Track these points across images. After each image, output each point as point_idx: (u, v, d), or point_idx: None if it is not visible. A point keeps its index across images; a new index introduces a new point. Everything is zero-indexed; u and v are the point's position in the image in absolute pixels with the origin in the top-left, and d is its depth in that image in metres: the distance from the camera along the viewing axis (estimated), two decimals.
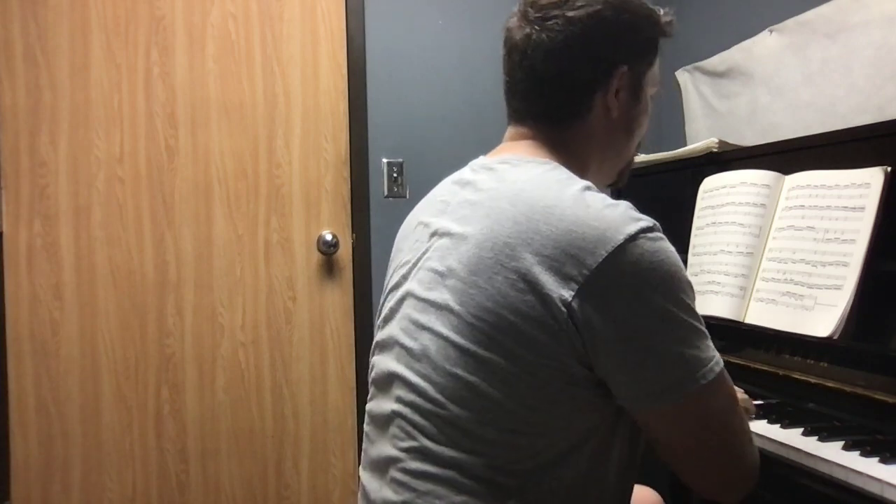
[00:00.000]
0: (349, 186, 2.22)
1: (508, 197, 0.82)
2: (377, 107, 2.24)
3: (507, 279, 0.77)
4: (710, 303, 1.36)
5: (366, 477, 0.90)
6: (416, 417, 0.82)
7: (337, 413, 2.22)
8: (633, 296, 0.75)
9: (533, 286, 0.75)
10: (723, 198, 1.43)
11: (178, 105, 2.09)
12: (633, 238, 0.75)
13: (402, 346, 0.86)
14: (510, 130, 0.96)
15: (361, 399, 2.20)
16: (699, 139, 1.88)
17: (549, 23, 0.88)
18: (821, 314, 1.13)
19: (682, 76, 2.26)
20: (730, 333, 1.35)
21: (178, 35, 2.08)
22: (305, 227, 2.19)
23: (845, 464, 0.91)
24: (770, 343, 1.27)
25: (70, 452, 2.01)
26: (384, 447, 0.86)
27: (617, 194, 1.96)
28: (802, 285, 1.19)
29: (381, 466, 0.86)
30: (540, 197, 0.80)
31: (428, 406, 0.81)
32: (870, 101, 1.58)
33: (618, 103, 0.91)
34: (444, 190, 0.95)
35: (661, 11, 0.95)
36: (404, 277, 0.90)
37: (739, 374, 1.29)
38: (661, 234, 0.78)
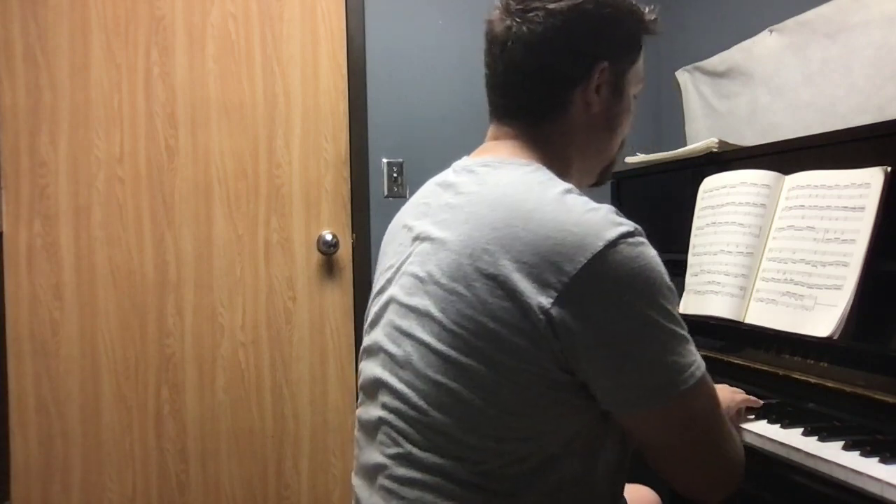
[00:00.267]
0: (349, 186, 2.22)
1: (488, 201, 0.81)
2: (377, 107, 2.24)
3: (485, 286, 0.76)
4: (710, 303, 1.36)
5: (357, 483, 0.91)
6: (401, 424, 0.82)
7: (337, 413, 2.21)
8: (612, 302, 0.74)
9: (511, 293, 0.75)
10: (723, 198, 1.43)
11: (178, 105, 2.08)
12: (612, 244, 0.74)
13: (387, 353, 0.86)
14: (492, 129, 0.96)
15: None
16: (699, 139, 1.88)
17: (530, 14, 0.87)
18: (821, 314, 1.13)
19: (682, 76, 2.26)
20: (730, 333, 1.35)
21: (178, 35, 2.08)
22: (305, 227, 2.19)
23: (845, 464, 0.91)
24: (770, 343, 1.27)
25: (70, 452, 2.01)
26: (373, 454, 0.86)
27: (618, 195, 1.98)
28: (802, 285, 1.19)
29: (371, 473, 0.86)
30: (520, 201, 0.79)
31: (412, 413, 0.81)
32: (870, 101, 1.58)
33: (598, 99, 0.90)
34: (428, 191, 0.94)
35: (646, 9, 0.94)
36: (388, 282, 0.90)
37: (739, 374, 1.29)
38: (642, 239, 0.77)
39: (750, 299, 1.30)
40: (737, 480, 0.85)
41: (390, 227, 1.01)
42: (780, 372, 1.22)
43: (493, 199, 0.81)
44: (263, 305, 2.16)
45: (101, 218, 2.03)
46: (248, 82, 2.14)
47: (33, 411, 1.98)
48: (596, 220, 0.76)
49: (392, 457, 0.83)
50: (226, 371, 2.13)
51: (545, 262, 0.74)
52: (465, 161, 0.94)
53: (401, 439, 0.82)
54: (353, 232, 2.22)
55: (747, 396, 1.13)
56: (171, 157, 2.08)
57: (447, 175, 0.93)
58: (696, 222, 1.50)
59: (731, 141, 1.64)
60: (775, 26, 1.86)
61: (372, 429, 0.87)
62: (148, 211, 2.07)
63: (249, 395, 2.15)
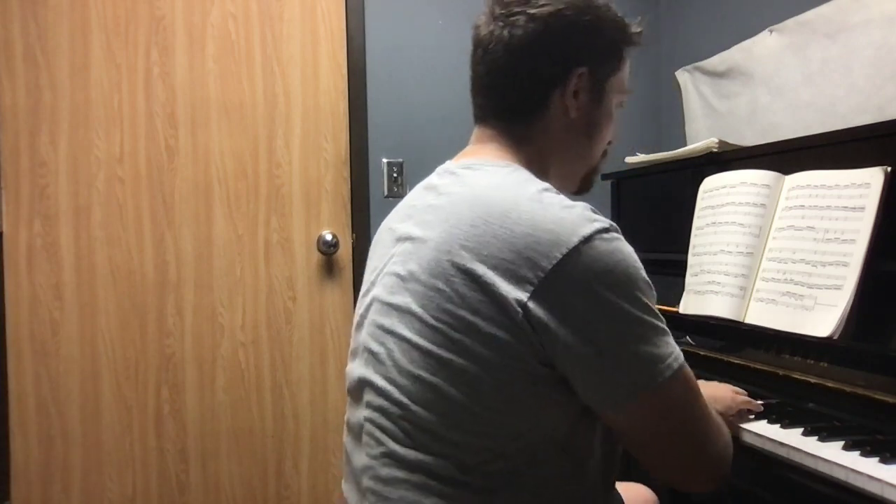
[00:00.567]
0: (349, 186, 2.23)
1: (468, 201, 0.83)
2: (377, 107, 2.24)
3: (464, 281, 0.78)
4: (710, 303, 1.36)
5: (346, 489, 0.91)
6: (385, 422, 0.83)
7: (337, 413, 2.21)
8: (587, 297, 0.75)
9: (489, 288, 0.76)
10: (723, 198, 1.43)
11: (178, 105, 2.09)
12: (587, 240, 0.75)
13: (370, 352, 0.87)
14: (475, 132, 0.98)
15: None
16: (699, 139, 1.88)
17: (513, 18, 0.90)
18: (821, 314, 1.13)
19: (682, 76, 2.26)
20: (730, 333, 1.35)
21: (178, 35, 2.08)
22: (305, 227, 2.19)
23: (845, 464, 0.91)
24: (770, 343, 1.27)
25: (70, 452, 2.01)
26: (359, 457, 0.87)
27: (618, 195, 1.98)
28: (802, 285, 1.19)
29: (358, 477, 0.87)
30: (499, 200, 0.81)
31: (394, 409, 0.82)
32: (870, 101, 1.58)
33: (576, 103, 0.92)
34: (414, 195, 0.97)
35: (632, 21, 0.96)
36: (372, 283, 0.92)
37: (739, 374, 1.29)
38: (617, 235, 0.79)
39: (750, 299, 1.30)
40: (719, 475, 0.84)
41: (378, 231, 1.02)
42: (780, 372, 1.22)
43: (472, 198, 0.83)
44: (263, 305, 2.16)
45: (101, 218, 2.03)
46: (248, 82, 2.14)
47: (33, 411, 1.98)
48: (572, 217, 0.77)
49: (376, 457, 0.83)
50: (226, 371, 2.13)
51: (521, 258, 0.76)
52: (448, 164, 0.96)
53: (385, 438, 0.82)
54: (353, 232, 2.22)
55: (749, 399, 1.13)
56: (171, 157, 2.08)
57: (431, 178, 0.95)
58: (696, 222, 1.50)
59: (731, 141, 1.64)
60: (775, 26, 1.86)
61: (358, 431, 0.88)
62: (148, 211, 2.07)
63: (249, 395, 2.15)
